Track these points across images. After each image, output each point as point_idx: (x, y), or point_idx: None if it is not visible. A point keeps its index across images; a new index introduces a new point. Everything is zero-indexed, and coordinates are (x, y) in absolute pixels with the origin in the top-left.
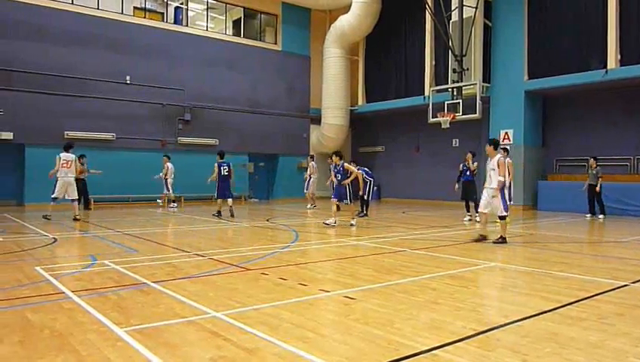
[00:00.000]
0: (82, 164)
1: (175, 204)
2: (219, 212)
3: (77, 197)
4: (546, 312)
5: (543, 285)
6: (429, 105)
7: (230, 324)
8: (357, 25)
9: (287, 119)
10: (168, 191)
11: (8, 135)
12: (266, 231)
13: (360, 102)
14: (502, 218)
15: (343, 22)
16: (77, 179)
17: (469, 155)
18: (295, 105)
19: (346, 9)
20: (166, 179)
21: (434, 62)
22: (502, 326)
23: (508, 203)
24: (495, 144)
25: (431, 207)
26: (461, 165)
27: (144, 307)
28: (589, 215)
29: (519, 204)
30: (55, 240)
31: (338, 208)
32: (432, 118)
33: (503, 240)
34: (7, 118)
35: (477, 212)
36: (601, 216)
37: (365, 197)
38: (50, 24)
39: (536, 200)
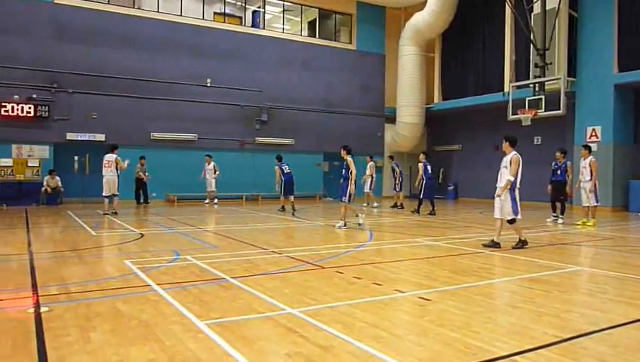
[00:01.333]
0: (142, 165)
1: (216, 201)
2: (283, 207)
3: (117, 193)
4: (638, 321)
5: (635, 291)
6: (508, 101)
7: (305, 321)
8: (433, 21)
9: (361, 118)
10: (212, 188)
11: (101, 137)
12: (341, 230)
13: (436, 100)
14: (510, 222)
15: (419, 19)
16: (137, 179)
17: (559, 154)
18: (370, 104)
19: (422, 6)
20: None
21: (514, 57)
22: (588, 334)
23: (518, 205)
24: (511, 140)
25: None
26: (553, 164)
27: (223, 301)
28: None
29: (608, 205)
30: (142, 235)
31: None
32: (512, 115)
33: (522, 244)
34: (100, 121)
35: (562, 214)
36: None
37: (422, 196)
38: (138, 32)
39: (627, 200)
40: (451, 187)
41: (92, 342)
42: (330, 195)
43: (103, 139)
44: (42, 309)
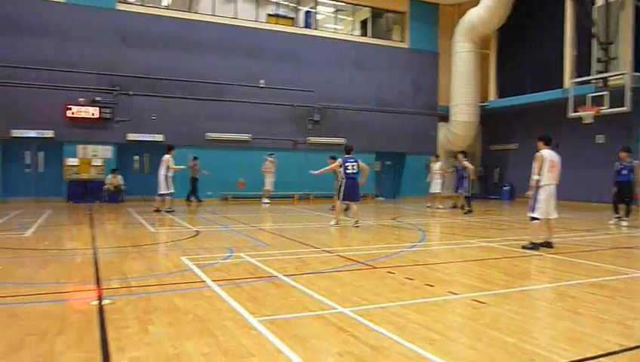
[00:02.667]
0: (195, 165)
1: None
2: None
3: (163, 192)
4: None
5: None
6: (568, 98)
7: (356, 321)
8: (488, 17)
9: (414, 117)
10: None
11: (160, 137)
12: (392, 229)
13: (491, 98)
14: (531, 219)
15: (473, 15)
16: (192, 178)
17: (625, 153)
18: (422, 103)
19: (476, 1)
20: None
21: (575, 52)
22: None
23: (537, 204)
24: (543, 139)
25: (570, 209)
26: (616, 164)
27: (275, 299)
28: None
29: None
30: (197, 233)
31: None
32: (573, 112)
33: (532, 246)
34: (159, 122)
35: (627, 216)
36: None
37: (465, 193)
38: (194, 35)
39: None
40: (507, 187)
41: (150, 335)
42: (383, 195)
43: (162, 139)
44: (105, 302)
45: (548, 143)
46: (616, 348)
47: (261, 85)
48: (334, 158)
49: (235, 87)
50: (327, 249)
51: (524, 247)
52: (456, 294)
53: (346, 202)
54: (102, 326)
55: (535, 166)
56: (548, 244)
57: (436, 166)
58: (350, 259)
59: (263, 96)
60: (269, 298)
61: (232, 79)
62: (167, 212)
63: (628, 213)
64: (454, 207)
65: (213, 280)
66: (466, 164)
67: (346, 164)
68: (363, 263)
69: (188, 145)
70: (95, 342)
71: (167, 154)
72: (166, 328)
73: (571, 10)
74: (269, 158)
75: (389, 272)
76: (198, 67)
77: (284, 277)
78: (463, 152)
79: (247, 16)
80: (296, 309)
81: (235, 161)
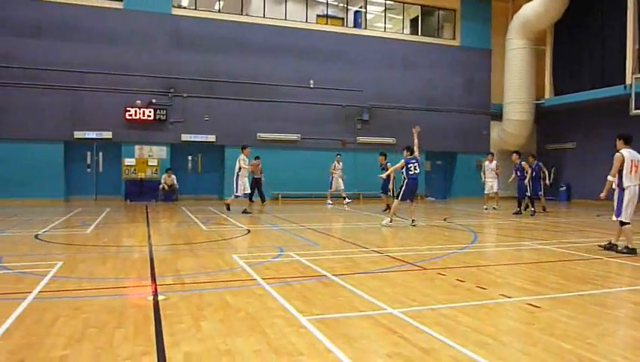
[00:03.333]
0: (258, 165)
1: (347, 200)
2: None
3: (237, 194)
4: None
5: None
6: (631, 94)
7: (406, 322)
8: (544, 12)
9: (465, 116)
10: (342, 187)
11: (212, 137)
12: (443, 230)
13: (547, 96)
14: (621, 224)
15: (528, 10)
16: (253, 178)
17: None
18: (474, 101)
19: None
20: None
21: (637, 46)
22: None
23: (623, 207)
24: (623, 137)
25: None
26: None
27: (325, 298)
28: None
29: None
30: (248, 231)
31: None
32: (635, 109)
33: (628, 250)
34: (211, 123)
35: None
36: None
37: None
38: (245, 37)
39: None
40: (563, 188)
41: (203, 331)
42: (433, 195)
43: (214, 139)
44: (160, 297)
45: (628, 142)
46: None
47: (311, 85)
48: (384, 155)
49: (285, 88)
50: (376, 249)
51: (619, 251)
52: (510, 297)
53: (403, 201)
54: (157, 320)
55: (614, 166)
56: (612, 247)
57: (492, 165)
58: (400, 259)
59: (312, 97)
60: (318, 297)
61: (282, 80)
62: (245, 212)
63: None
64: (544, 209)
65: (264, 279)
66: (524, 165)
67: (409, 165)
68: (413, 264)
69: (239, 145)
70: (151, 336)
71: (241, 153)
72: (218, 324)
73: (633, 2)
74: (336, 158)
75: (440, 274)
76: (249, 68)
77: (334, 277)
78: (517, 152)
79: (297, 18)
80: (345, 309)
81: (284, 160)
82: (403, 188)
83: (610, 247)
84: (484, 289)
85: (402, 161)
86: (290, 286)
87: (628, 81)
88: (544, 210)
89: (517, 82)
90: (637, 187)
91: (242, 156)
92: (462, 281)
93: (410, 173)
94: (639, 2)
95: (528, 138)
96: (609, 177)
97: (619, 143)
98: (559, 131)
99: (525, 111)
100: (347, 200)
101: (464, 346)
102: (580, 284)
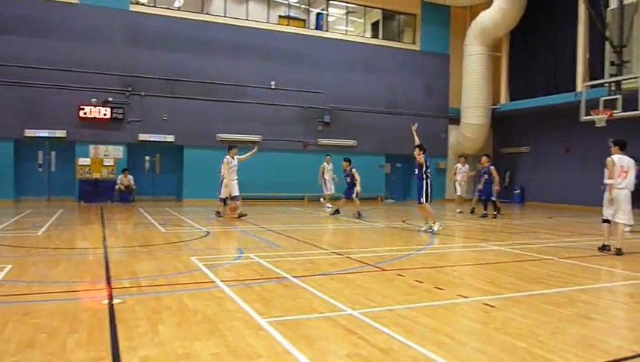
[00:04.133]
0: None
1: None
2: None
3: (221, 196)
4: None
5: None
6: (581, 102)
7: (365, 323)
8: (500, 19)
9: (424, 119)
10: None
11: (171, 138)
12: (402, 232)
13: (503, 101)
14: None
15: (485, 17)
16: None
17: None
18: (433, 105)
19: (488, 4)
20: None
21: (588, 55)
22: None
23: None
24: (618, 144)
25: (582, 213)
26: None
27: (285, 300)
28: None
29: None
30: (208, 233)
31: None
32: (585, 115)
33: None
34: (170, 123)
35: None
36: None
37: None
38: (205, 36)
39: None
40: (517, 191)
41: (160, 334)
42: (393, 197)
43: (173, 140)
44: (115, 301)
45: (622, 148)
46: (630, 354)
47: (272, 86)
48: (348, 161)
49: (246, 88)
50: (336, 251)
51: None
52: (466, 297)
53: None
54: (112, 325)
55: (609, 171)
56: (604, 248)
57: (465, 168)
58: (360, 261)
59: (273, 98)
60: (278, 299)
61: (243, 80)
62: (217, 213)
63: None
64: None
65: (223, 281)
66: (492, 169)
67: (427, 163)
68: (372, 265)
69: (198, 146)
70: (105, 340)
71: (228, 154)
72: (175, 328)
73: (584, 13)
74: (325, 159)
75: (399, 275)
76: (209, 68)
77: (294, 279)
78: (487, 155)
79: (259, 18)
80: (305, 311)
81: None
82: (429, 189)
83: (603, 248)
84: (442, 289)
85: (422, 157)
86: (250, 289)
87: (579, 88)
88: (496, 211)
89: (474, 87)
90: (624, 191)
91: (228, 158)
92: (420, 282)
93: (429, 171)
94: (590, 14)
95: (485, 142)
96: (606, 181)
97: (614, 149)
98: (514, 135)
99: (482, 115)
100: (329, 206)
101: (422, 346)
102: (532, 284)
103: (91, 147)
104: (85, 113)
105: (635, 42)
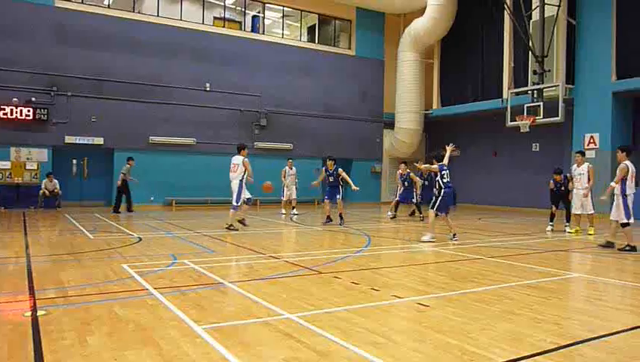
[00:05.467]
0: (130, 166)
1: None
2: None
3: (235, 204)
4: (636, 328)
5: (635, 299)
6: (507, 108)
7: (303, 326)
8: (432, 28)
9: (360, 124)
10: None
11: (99, 140)
12: (338, 235)
13: (435, 106)
14: (623, 225)
15: (418, 25)
16: (122, 181)
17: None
18: (368, 110)
19: (421, 12)
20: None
21: (513, 64)
22: (587, 340)
23: (630, 210)
24: (625, 150)
25: (510, 214)
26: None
27: (221, 306)
28: None
29: (606, 211)
30: (140, 239)
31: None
32: (511, 121)
33: (630, 248)
34: (99, 125)
35: (567, 221)
36: None
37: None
38: (137, 35)
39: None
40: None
41: (89, 346)
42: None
43: (102, 142)
44: (39, 313)
45: (629, 153)
46: (551, 347)
47: (207, 89)
48: (334, 160)
49: (180, 90)
50: (273, 255)
51: (620, 249)
52: (401, 298)
53: (441, 213)
54: (36, 338)
55: (618, 175)
56: (610, 245)
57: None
58: (297, 264)
59: (208, 100)
60: (214, 305)
61: (177, 82)
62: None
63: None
64: (412, 214)
65: (156, 288)
66: (413, 175)
67: (442, 172)
68: (309, 268)
69: (130, 149)
70: (28, 354)
71: (239, 154)
72: (106, 338)
73: (509, 24)
74: (288, 163)
75: (336, 277)
76: (141, 68)
77: (230, 284)
78: (405, 162)
79: (193, 19)
80: (241, 316)
81: (179, 165)
82: (439, 198)
83: (608, 245)
84: (378, 290)
85: (436, 166)
86: (185, 295)
87: (505, 95)
88: (413, 214)
89: (407, 93)
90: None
91: (246, 158)
92: (357, 284)
93: (445, 180)
94: (514, 24)
95: (418, 146)
96: (612, 183)
97: (621, 155)
98: (445, 140)
99: (415, 120)
100: (295, 210)
101: (359, 347)
102: (463, 283)
103: (12, 149)
104: (5, 113)
105: (555, 52)
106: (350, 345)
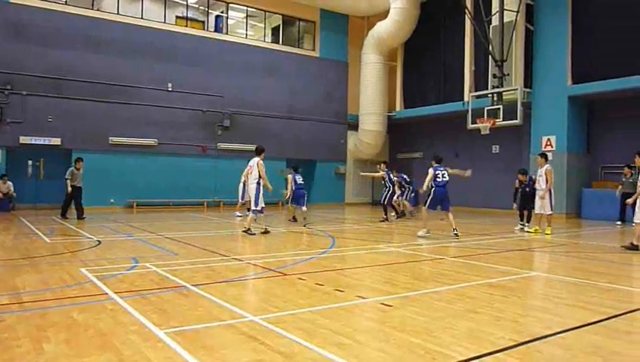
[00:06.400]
0: (78, 169)
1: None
2: (294, 218)
3: (254, 208)
4: (590, 324)
5: (588, 296)
6: (468, 111)
7: (267, 329)
8: (395, 31)
9: (324, 125)
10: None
11: (57, 141)
12: (303, 236)
13: (398, 108)
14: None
15: (381, 28)
16: (72, 186)
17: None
18: (333, 112)
19: (384, 15)
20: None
21: (473, 68)
22: (543, 337)
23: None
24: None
25: (470, 215)
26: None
27: (184, 309)
28: (619, 222)
29: (562, 212)
30: (99, 242)
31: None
32: (472, 124)
33: (632, 246)
34: (56, 125)
35: (527, 221)
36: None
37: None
38: (97, 34)
39: (580, 208)
40: (413, 194)
41: (45, 353)
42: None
43: (59, 143)
44: None
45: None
46: (511, 344)
47: (169, 89)
48: (289, 171)
49: (141, 90)
50: (237, 257)
51: (623, 246)
52: (365, 298)
53: (430, 210)
54: None
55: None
56: (634, 247)
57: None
58: (261, 266)
59: (170, 100)
60: (176, 309)
61: (138, 81)
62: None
63: (528, 219)
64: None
65: (116, 292)
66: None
67: (437, 172)
68: (274, 270)
69: (89, 150)
70: None
71: (257, 156)
72: (63, 345)
73: (470, 29)
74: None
75: (300, 279)
76: (100, 67)
77: (193, 287)
78: (385, 162)
79: (155, 17)
80: (205, 319)
81: (140, 166)
82: (430, 196)
83: (633, 248)
84: (342, 291)
85: (431, 170)
86: (146, 299)
87: (466, 98)
88: (402, 214)
89: (371, 95)
90: None
91: (260, 160)
92: (321, 285)
93: (438, 180)
94: (475, 29)
95: (381, 147)
96: None
97: (638, 160)
98: (408, 141)
99: (379, 122)
100: (242, 213)
101: (323, 348)
102: (426, 282)
103: None
104: None
105: (514, 57)
106: (314, 346)
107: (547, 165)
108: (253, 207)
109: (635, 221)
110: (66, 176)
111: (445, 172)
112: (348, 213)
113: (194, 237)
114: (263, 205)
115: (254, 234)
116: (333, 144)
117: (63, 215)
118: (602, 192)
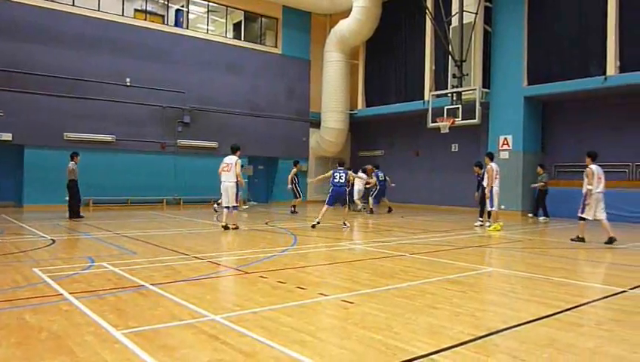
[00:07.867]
0: (76, 163)
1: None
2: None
3: (229, 205)
4: (544, 318)
5: (542, 290)
6: (428, 109)
7: (228, 327)
8: (357, 29)
9: (286, 122)
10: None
11: (8, 136)
12: (264, 234)
13: (360, 106)
14: (579, 219)
15: (344, 26)
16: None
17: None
18: (295, 109)
19: (347, 13)
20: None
21: (434, 67)
22: (500, 331)
23: (586, 208)
24: (591, 155)
25: (430, 212)
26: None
27: (142, 309)
28: (530, 215)
29: (517, 209)
30: (53, 241)
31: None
32: (432, 122)
33: (578, 239)
34: (7, 120)
35: (489, 217)
36: (542, 218)
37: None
38: (52, 26)
39: (535, 205)
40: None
41: None
42: (255, 199)
43: (10, 138)
44: None
45: (595, 159)
46: (469, 338)
47: (127, 84)
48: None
49: (98, 85)
50: (197, 255)
51: (572, 240)
52: (327, 295)
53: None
54: None
55: (586, 179)
56: (610, 240)
57: (364, 175)
58: (222, 264)
59: (129, 96)
60: (135, 309)
61: (95, 75)
62: (225, 227)
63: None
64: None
65: (71, 293)
66: (351, 174)
67: (335, 174)
68: (235, 269)
69: (43, 146)
70: None
71: (233, 154)
72: (14, 349)
73: (431, 29)
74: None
75: (262, 277)
76: (55, 60)
77: (152, 287)
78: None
79: (113, 10)
80: (164, 319)
81: (96, 163)
82: (329, 194)
83: (579, 240)
84: (304, 289)
85: (331, 171)
86: (103, 300)
87: (426, 97)
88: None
89: (333, 93)
90: (601, 194)
91: (236, 158)
92: (283, 283)
93: (335, 180)
94: (435, 29)
95: (343, 145)
96: (588, 186)
97: (588, 160)
98: (370, 139)
99: (340, 120)
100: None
101: (285, 346)
102: (387, 279)
103: None
104: None
105: (472, 58)
106: (276, 344)
107: (491, 163)
108: (233, 204)
109: (580, 215)
110: (73, 177)
111: (344, 175)
112: (310, 211)
113: (153, 236)
114: (236, 203)
115: (237, 227)
116: (296, 141)
117: (78, 213)
118: (555, 190)
